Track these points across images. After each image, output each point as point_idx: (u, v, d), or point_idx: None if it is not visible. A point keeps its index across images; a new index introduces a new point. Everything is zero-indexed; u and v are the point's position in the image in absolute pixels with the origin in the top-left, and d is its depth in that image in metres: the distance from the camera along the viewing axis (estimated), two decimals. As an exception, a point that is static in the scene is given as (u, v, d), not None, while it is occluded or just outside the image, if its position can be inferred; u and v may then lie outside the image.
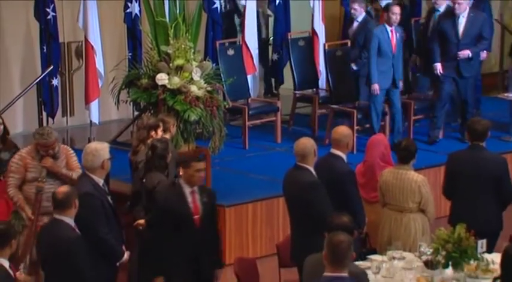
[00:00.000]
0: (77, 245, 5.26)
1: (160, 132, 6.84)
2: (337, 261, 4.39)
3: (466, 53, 9.19)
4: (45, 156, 6.31)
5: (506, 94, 9.84)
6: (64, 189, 5.40)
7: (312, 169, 6.11)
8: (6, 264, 4.96)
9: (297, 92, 10.12)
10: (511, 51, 10.18)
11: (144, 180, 6.58)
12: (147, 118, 7.09)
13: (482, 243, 5.84)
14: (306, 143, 6.15)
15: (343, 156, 6.34)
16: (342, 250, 4.40)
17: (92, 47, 8.97)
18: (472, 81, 9.49)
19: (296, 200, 6.12)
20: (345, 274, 4.42)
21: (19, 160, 6.36)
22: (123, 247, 5.86)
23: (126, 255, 5.83)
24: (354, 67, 9.73)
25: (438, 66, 9.26)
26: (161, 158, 6.56)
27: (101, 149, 5.80)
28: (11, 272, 4.98)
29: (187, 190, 5.73)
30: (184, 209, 5.67)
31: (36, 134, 6.37)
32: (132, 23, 9.20)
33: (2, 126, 6.77)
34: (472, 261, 5.70)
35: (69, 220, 5.32)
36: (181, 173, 5.75)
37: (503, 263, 4.61)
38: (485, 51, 9.51)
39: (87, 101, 9.16)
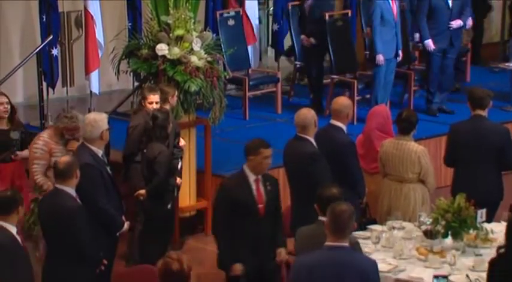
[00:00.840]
0: (78, 214, 5.28)
1: (148, 104, 6.82)
2: (338, 230, 4.42)
3: (458, 22, 9.19)
4: (71, 140, 6.32)
5: (507, 64, 9.81)
6: (65, 159, 5.41)
7: (312, 140, 6.11)
8: (13, 230, 4.99)
9: (297, 62, 10.08)
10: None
11: (145, 151, 6.60)
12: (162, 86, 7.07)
13: (481, 213, 5.86)
14: (307, 113, 6.14)
15: (343, 127, 6.34)
16: (344, 220, 4.42)
17: (92, 17, 8.92)
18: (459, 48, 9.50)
19: (296, 171, 6.13)
20: (345, 244, 4.44)
21: (43, 146, 6.29)
22: (123, 217, 5.88)
23: (126, 225, 5.86)
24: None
25: (430, 44, 9.23)
26: (162, 128, 6.57)
27: (99, 120, 5.78)
28: (19, 238, 5.02)
29: (251, 178, 5.55)
30: (248, 198, 5.50)
31: (63, 118, 6.34)
32: (132, -8, 9.14)
33: (9, 106, 6.73)
34: (471, 231, 5.73)
35: (71, 190, 5.34)
36: (249, 161, 5.53)
37: (509, 232, 4.63)
38: (470, 19, 9.47)
39: (87, 71, 9.13)
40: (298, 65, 10.11)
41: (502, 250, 4.72)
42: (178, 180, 6.88)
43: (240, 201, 5.48)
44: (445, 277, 4.89)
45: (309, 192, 5.60)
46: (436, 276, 4.85)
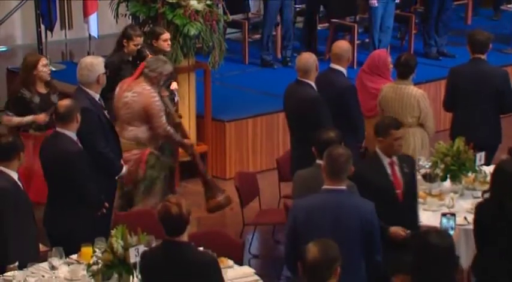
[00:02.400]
0: (79, 158, 5.30)
1: (133, 45, 6.78)
2: (335, 174, 4.44)
3: None
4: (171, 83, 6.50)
5: (509, 5, 9.72)
6: (66, 102, 5.39)
7: (313, 84, 6.10)
8: (15, 176, 5.01)
9: (297, 6, 9.99)
10: None
11: None
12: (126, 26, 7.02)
13: (480, 156, 5.89)
14: (308, 58, 6.12)
15: (344, 70, 6.32)
16: (341, 163, 4.43)
17: (89, -42, 8.82)
18: None
19: (297, 115, 6.13)
20: (343, 187, 4.47)
21: (158, 98, 6.04)
22: (122, 161, 5.91)
23: (124, 168, 5.89)
24: None
25: None
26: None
27: (96, 64, 5.74)
28: (20, 183, 5.04)
29: (385, 161, 5.08)
30: (384, 183, 5.03)
31: (152, 70, 6.05)
32: None
33: (49, 68, 6.46)
34: (470, 174, 5.76)
35: (71, 134, 5.34)
36: (379, 142, 5.09)
37: (494, 177, 4.65)
38: None
39: (86, 14, 9.06)
40: (297, 8, 10.01)
41: (487, 195, 4.75)
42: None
43: (376, 186, 4.96)
44: (453, 215, 4.93)
45: (309, 136, 5.61)
46: (444, 215, 4.89)
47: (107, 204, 5.53)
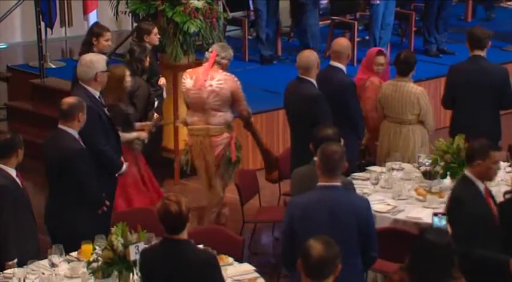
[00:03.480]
0: (80, 156, 5.30)
1: (104, 41, 6.82)
2: (329, 171, 4.44)
3: None
4: None
5: (509, 2, 9.71)
6: (70, 100, 5.37)
7: (314, 81, 6.11)
8: (13, 173, 5.02)
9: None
10: None
11: None
12: (94, 25, 7.17)
13: (480, 154, 5.88)
14: (310, 55, 6.12)
15: (343, 68, 6.32)
16: (335, 160, 4.43)
17: (90, -44, 8.82)
18: None
19: (298, 112, 6.13)
20: (337, 183, 4.48)
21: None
22: (122, 158, 5.91)
23: (124, 166, 5.89)
24: None
25: None
26: (139, 61, 6.55)
27: (96, 61, 5.73)
28: (18, 180, 5.05)
29: (480, 186, 4.71)
30: (485, 210, 4.67)
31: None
32: None
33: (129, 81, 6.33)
34: (469, 172, 5.75)
35: (73, 131, 5.33)
36: (475, 166, 4.68)
37: None
38: None
39: (86, 12, 9.06)
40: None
41: (509, 195, 4.74)
42: (155, 116, 6.82)
43: (477, 214, 4.60)
44: (445, 214, 4.94)
45: (309, 134, 5.61)
46: (435, 214, 4.91)
47: (107, 202, 5.53)
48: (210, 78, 6.36)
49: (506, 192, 4.81)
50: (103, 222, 5.38)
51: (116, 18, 8.11)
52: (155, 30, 7.11)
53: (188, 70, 6.65)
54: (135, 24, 9.01)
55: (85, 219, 5.30)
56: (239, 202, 6.35)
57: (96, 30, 6.98)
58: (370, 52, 6.88)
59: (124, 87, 6.24)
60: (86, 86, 5.72)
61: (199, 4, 7.42)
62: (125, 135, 6.23)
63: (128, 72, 6.28)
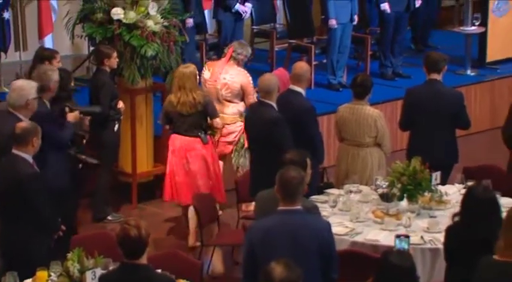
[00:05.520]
0: (35, 180, 5.24)
1: (56, 63, 6.80)
2: (288, 196, 4.45)
3: (419, 1, 9.36)
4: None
5: (462, 28, 9.90)
6: (23, 124, 5.33)
7: (275, 105, 6.13)
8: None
9: (254, 27, 10.05)
10: None
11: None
12: (42, 50, 7.16)
13: (436, 176, 5.96)
14: (271, 79, 6.16)
15: (303, 91, 6.36)
16: (293, 186, 4.45)
17: (44, -20, 8.76)
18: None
19: (258, 136, 6.13)
20: (298, 207, 4.48)
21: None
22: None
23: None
24: None
25: (386, 7, 9.26)
26: (62, 88, 6.48)
27: (27, 88, 5.65)
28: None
29: None
30: None
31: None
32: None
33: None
34: (426, 193, 5.82)
35: (27, 156, 5.28)
36: None
37: (464, 202, 4.71)
38: None
39: (41, 36, 8.98)
40: (255, 30, 10.07)
41: (457, 218, 4.81)
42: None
43: None
44: (407, 237, 4.99)
45: (271, 157, 5.62)
46: (398, 236, 4.94)
47: (63, 227, 5.45)
48: (225, 72, 7.16)
49: (454, 215, 4.87)
50: (59, 248, 5.30)
51: (72, 42, 8.06)
52: (115, 54, 7.11)
53: (209, 62, 7.61)
54: (91, 48, 8.99)
55: (40, 245, 5.22)
56: (198, 226, 6.31)
57: (48, 54, 6.93)
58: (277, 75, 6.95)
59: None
60: (16, 113, 5.63)
61: (156, 28, 7.42)
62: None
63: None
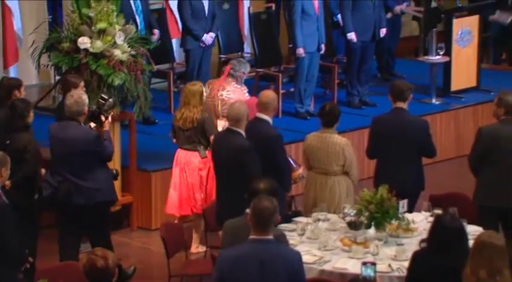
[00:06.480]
0: (2, 213, 5.15)
1: (23, 91, 6.80)
2: (261, 225, 4.45)
3: (383, 30, 9.44)
4: None
5: (426, 57, 10.04)
6: None
7: (243, 133, 6.14)
8: None
9: (222, 56, 10.08)
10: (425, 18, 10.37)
11: (7, 142, 6.42)
12: (7, 79, 7.16)
13: (403, 204, 5.99)
14: (240, 107, 6.19)
15: (270, 120, 6.38)
16: (266, 216, 4.45)
17: (9, 9, 8.72)
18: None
19: (227, 163, 6.11)
20: (269, 237, 4.47)
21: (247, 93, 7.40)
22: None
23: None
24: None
25: (352, 36, 9.36)
26: (21, 117, 6.46)
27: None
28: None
29: None
30: None
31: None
32: (51, -16, 8.97)
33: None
34: (393, 221, 5.84)
35: (-5, 187, 5.22)
36: None
37: (433, 231, 4.74)
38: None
39: (6, 65, 8.93)
40: (222, 58, 10.11)
41: (424, 244, 4.83)
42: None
43: None
44: (374, 264, 4.99)
45: (238, 185, 5.61)
46: (364, 264, 4.94)
47: (31, 259, 5.37)
48: (222, 89, 7.34)
49: (421, 241, 4.89)
50: (25, 280, 5.22)
51: (38, 71, 8.01)
52: (82, 83, 7.06)
53: (210, 80, 7.84)
54: (57, 78, 8.94)
55: (6, 278, 5.13)
56: (165, 255, 6.26)
57: (15, 82, 6.92)
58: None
59: None
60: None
61: (124, 57, 7.41)
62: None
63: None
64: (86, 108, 6.27)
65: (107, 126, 6.31)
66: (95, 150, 6.17)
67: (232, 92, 7.30)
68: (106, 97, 6.41)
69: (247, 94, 7.40)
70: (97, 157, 6.24)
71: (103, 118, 6.27)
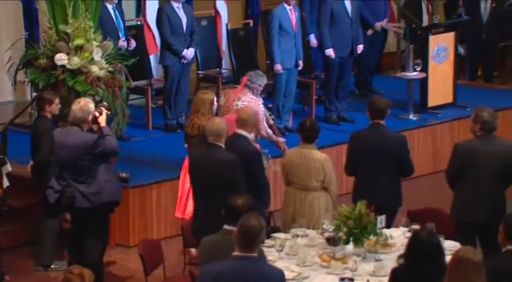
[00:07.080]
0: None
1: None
2: (247, 243, 4.44)
3: (360, 47, 9.47)
4: None
5: (403, 73, 10.11)
6: None
7: (224, 148, 6.13)
8: None
9: (200, 72, 10.09)
10: (405, 35, 10.45)
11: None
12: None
13: (381, 219, 6.01)
14: (220, 122, 6.19)
15: (249, 136, 6.38)
16: (253, 234, 4.45)
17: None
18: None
19: (210, 178, 6.03)
20: (254, 254, 4.46)
21: (262, 105, 7.40)
22: None
23: None
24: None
25: (331, 53, 9.41)
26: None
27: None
28: None
29: None
30: None
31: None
32: (27, 0, 8.92)
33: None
34: (371, 237, 5.85)
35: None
36: None
37: (410, 247, 4.76)
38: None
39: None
40: (201, 74, 10.12)
41: (402, 260, 4.84)
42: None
43: None
44: (352, 280, 4.98)
45: (218, 199, 5.57)
46: (342, 279, 4.93)
47: (8, 277, 5.31)
48: (237, 100, 7.36)
49: (399, 256, 4.90)
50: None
51: (14, 88, 7.97)
52: (57, 100, 7.07)
53: (226, 89, 7.97)
54: (34, 94, 8.89)
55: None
56: (143, 272, 6.21)
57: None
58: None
59: None
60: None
61: (101, 73, 7.39)
62: None
63: None
64: (90, 117, 6.33)
65: (103, 122, 6.37)
66: (95, 152, 6.21)
67: (247, 103, 7.33)
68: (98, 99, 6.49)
69: (262, 106, 7.45)
70: (100, 159, 6.30)
71: (96, 113, 6.34)
